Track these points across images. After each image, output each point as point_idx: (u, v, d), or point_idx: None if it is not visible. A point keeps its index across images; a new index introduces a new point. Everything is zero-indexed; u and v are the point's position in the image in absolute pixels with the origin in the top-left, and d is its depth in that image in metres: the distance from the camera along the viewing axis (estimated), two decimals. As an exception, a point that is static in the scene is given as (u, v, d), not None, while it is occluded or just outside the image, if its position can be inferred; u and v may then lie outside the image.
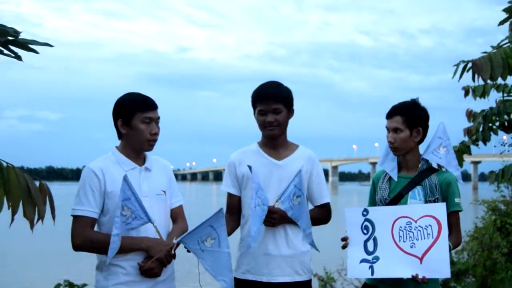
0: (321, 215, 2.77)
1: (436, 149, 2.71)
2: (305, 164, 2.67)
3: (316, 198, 2.76)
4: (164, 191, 2.52)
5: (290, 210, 2.51)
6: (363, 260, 2.42)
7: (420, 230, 2.36)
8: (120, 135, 2.50)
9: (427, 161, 2.68)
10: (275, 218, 2.55)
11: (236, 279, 2.68)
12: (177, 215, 2.61)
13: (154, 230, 2.34)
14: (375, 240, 2.43)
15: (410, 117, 2.59)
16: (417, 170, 2.63)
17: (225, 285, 2.23)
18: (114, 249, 2.21)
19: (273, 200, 2.54)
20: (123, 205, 2.23)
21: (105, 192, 2.37)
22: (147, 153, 2.55)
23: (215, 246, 2.22)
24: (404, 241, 2.38)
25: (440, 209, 2.37)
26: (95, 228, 2.42)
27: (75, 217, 2.36)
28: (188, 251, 2.29)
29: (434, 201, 2.51)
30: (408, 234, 2.38)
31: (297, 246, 2.63)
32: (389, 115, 2.65)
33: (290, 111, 2.70)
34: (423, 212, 2.39)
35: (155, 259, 2.32)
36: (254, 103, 2.69)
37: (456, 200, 2.54)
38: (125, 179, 2.24)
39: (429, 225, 2.35)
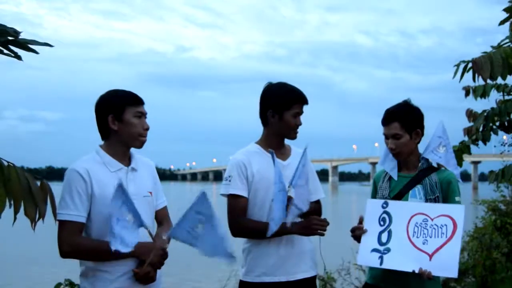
0: (317, 210, 2.77)
1: (436, 148, 2.72)
2: None
3: (312, 193, 2.73)
4: (151, 192, 2.44)
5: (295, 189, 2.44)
6: (374, 250, 2.46)
7: (435, 228, 2.39)
8: (105, 134, 2.39)
9: (427, 160, 2.68)
10: (316, 224, 2.52)
11: (250, 283, 2.62)
12: (162, 217, 2.54)
13: (145, 234, 2.24)
14: (389, 232, 2.47)
15: (407, 121, 2.58)
16: (417, 169, 2.63)
17: (226, 261, 2.17)
18: None
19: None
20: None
21: (92, 195, 2.24)
22: (133, 152, 2.45)
23: (207, 229, 2.13)
24: (417, 237, 2.40)
25: (458, 211, 2.40)
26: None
27: (62, 222, 2.21)
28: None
29: (434, 200, 2.52)
30: (423, 230, 2.41)
31: (305, 242, 2.65)
32: (386, 122, 2.62)
33: None
34: (441, 211, 2.42)
35: (148, 264, 2.23)
36: (289, 104, 2.62)
37: (457, 198, 2.54)
38: (121, 186, 2.11)
39: (445, 224, 2.38)
